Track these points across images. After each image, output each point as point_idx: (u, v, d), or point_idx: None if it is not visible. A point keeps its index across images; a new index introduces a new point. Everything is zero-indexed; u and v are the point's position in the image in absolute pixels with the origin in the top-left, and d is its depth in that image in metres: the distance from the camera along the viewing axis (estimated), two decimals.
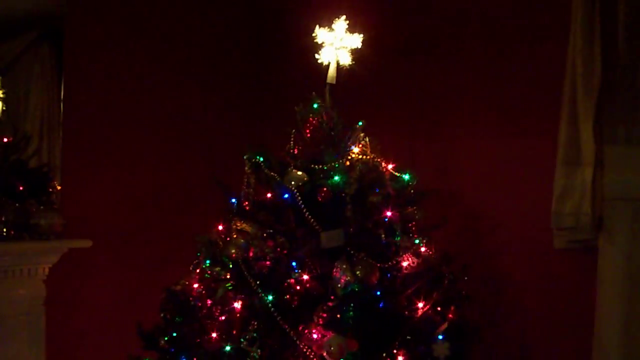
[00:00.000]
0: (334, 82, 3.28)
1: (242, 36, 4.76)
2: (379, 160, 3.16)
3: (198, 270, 3.21)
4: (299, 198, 2.96)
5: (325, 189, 2.97)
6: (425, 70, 4.03)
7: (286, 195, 3.01)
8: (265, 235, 2.97)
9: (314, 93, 3.21)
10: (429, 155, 4.01)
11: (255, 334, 2.80)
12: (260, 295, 2.83)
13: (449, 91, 3.96)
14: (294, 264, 2.89)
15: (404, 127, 4.05)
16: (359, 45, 3.29)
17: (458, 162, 3.95)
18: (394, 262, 2.97)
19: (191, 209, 4.24)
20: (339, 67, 3.27)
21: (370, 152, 3.17)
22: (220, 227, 3.22)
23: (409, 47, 4.06)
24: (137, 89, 4.19)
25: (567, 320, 3.53)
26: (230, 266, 2.99)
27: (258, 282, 2.86)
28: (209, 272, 3.10)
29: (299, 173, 3.04)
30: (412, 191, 3.22)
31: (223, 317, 2.99)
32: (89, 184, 3.92)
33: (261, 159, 3.18)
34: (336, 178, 3.02)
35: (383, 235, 3.00)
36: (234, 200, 3.22)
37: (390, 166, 3.21)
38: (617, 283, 3.26)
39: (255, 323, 2.80)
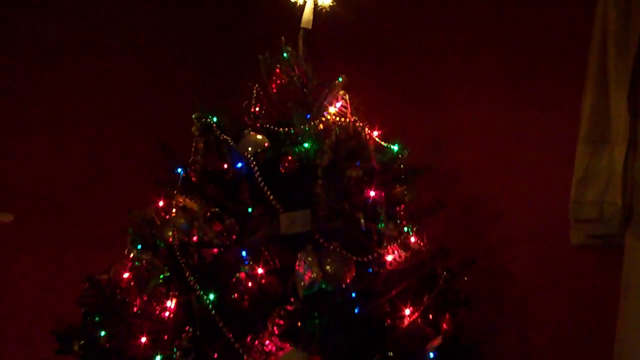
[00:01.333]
0: (310, 26, 2.68)
1: None
2: (361, 125, 2.50)
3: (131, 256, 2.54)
4: (256, 168, 2.30)
5: (290, 157, 2.32)
6: (423, 18, 3.44)
7: (240, 164, 2.35)
8: (209, 214, 2.30)
9: (283, 39, 2.65)
10: (424, 123, 3.39)
11: (190, 343, 2.14)
12: (198, 292, 2.17)
13: (450, 46, 3.37)
14: (244, 253, 2.23)
15: (395, 88, 3.41)
16: None
17: (458, 134, 3.36)
18: (376, 255, 2.32)
19: (135, 182, 3.54)
20: (316, 8, 2.69)
21: (351, 114, 2.49)
22: (161, 203, 2.66)
23: None
24: (70, 40, 3.51)
25: (584, 330, 2.97)
26: (165, 253, 2.32)
27: (197, 276, 2.19)
28: (139, 259, 2.43)
29: (259, 137, 2.45)
30: (401, 166, 2.58)
31: (155, 318, 2.32)
32: (11, 151, 3.34)
33: (214, 119, 2.50)
34: (306, 145, 2.44)
35: (362, 221, 2.35)
36: (180, 169, 2.61)
37: (375, 133, 2.56)
38: None
39: (191, 329, 2.14)
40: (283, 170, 2.34)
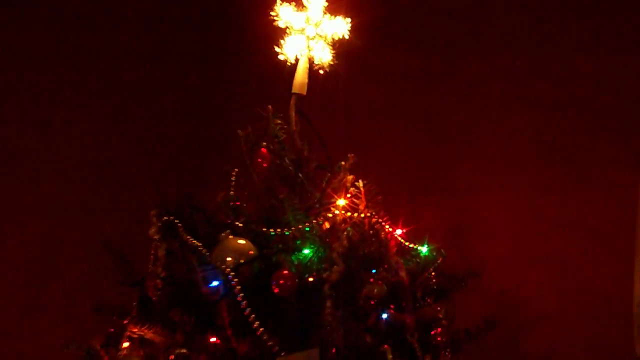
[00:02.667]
0: (304, 92, 2.07)
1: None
2: (380, 221, 1.84)
3: None
4: (238, 287, 1.63)
5: (286, 271, 1.65)
6: (442, 83, 2.83)
7: (215, 283, 1.67)
8: (174, 356, 1.61)
9: (270, 108, 2.01)
10: (441, 210, 2.75)
11: None
12: None
13: (470, 114, 2.75)
14: None
15: (407, 164, 2.75)
16: (346, 34, 2.06)
17: (479, 221, 2.74)
18: None
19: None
20: (312, 68, 2.07)
21: (366, 207, 1.84)
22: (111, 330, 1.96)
23: (421, 41, 2.81)
24: None
25: None
26: None
27: None
28: None
29: (241, 242, 1.78)
30: (433, 274, 1.90)
31: None
32: None
33: (180, 217, 1.85)
34: (306, 252, 1.78)
35: (390, 357, 1.65)
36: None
37: (398, 232, 1.89)
38: None
39: None
40: (277, 290, 1.67)
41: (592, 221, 2.56)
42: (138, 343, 1.86)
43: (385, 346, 1.69)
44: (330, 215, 1.81)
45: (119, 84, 3.00)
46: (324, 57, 2.06)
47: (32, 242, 2.80)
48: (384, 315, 1.79)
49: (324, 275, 1.69)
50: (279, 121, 1.99)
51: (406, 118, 2.79)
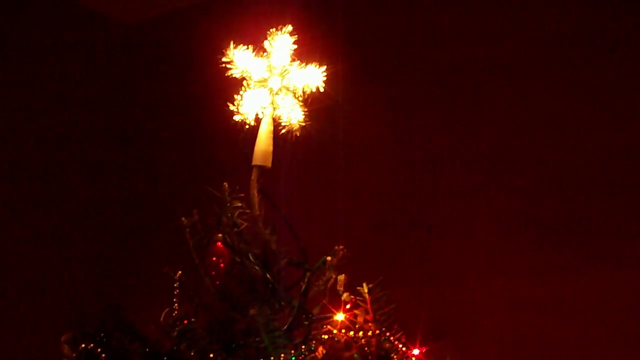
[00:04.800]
0: (269, 163, 1.55)
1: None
2: (393, 339, 1.33)
3: None
4: None
5: None
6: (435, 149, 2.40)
7: None
8: None
9: (226, 186, 1.49)
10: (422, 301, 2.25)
11: None
12: None
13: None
14: None
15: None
16: (321, 85, 1.57)
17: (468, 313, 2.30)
18: None
19: None
20: (277, 131, 1.56)
21: (373, 319, 1.32)
22: None
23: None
24: None
25: None
26: None
27: None
28: None
29: None
30: None
31: None
32: None
33: (100, 343, 1.28)
34: None
35: None
36: None
37: (415, 352, 1.38)
38: None
39: None
40: None
41: (601, 306, 2.14)
42: None
43: None
44: (325, 337, 1.27)
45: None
46: (293, 116, 1.56)
47: None
48: None
49: None
50: (239, 204, 1.46)
51: (391, 194, 2.31)
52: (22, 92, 2.60)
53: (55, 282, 2.23)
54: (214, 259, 1.43)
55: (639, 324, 2.08)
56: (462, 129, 2.38)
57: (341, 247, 1.45)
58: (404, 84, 2.43)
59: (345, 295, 1.38)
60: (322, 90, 1.57)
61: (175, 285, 1.44)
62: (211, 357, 1.28)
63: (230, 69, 1.54)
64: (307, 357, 1.22)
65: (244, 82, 1.56)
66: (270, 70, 1.57)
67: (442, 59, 2.40)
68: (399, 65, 2.42)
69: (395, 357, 1.32)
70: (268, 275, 1.44)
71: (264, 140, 1.55)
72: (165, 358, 1.29)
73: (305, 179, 1.90)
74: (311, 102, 1.57)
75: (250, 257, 1.44)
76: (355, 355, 1.24)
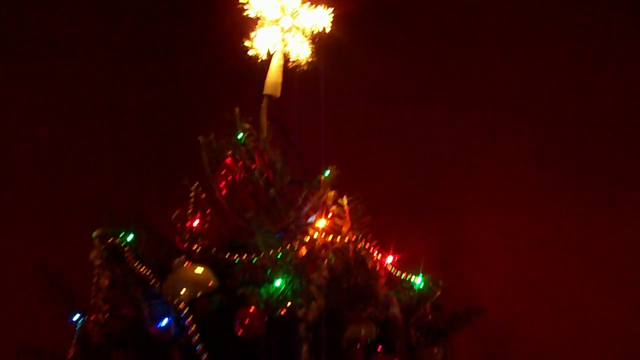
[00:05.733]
0: (278, 93, 1.78)
1: None
2: (368, 246, 1.53)
3: None
4: (193, 327, 1.31)
5: (253, 308, 1.34)
6: (434, 88, 2.53)
7: (165, 321, 1.36)
8: None
9: (237, 111, 1.70)
10: (429, 234, 2.41)
11: None
12: None
13: (470, 129, 2.47)
14: None
15: (397, 185, 2.43)
16: (327, 27, 1.79)
17: (473, 248, 2.42)
18: None
19: None
20: (287, 65, 1.80)
21: (351, 229, 1.53)
22: None
23: (413, 39, 2.52)
24: None
25: None
26: None
27: None
28: None
29: (198, 270, 1.46)
30: (428, 310, 1.60)
31: None
32: None
33: (126, 239, 1.53)
34: (278, 284, 1.45)
35: None
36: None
37: (388, 259, 1.59)
38: None
39: None
40: (241, 332, 1.35)
41: (602, 246, 2.26)
42: None
43: None
44: (307, 239, 1.50)
45: (64, 84, 2.67)
46: (302, 52, 1.78)
47: None
48: None
49: (300, 313, 1.38)
50: (248, 127, 1.69)
51: (394, 127, 2.49)
52: None
53: (89, 189, 2.52)
54: (224, 173, 1.67)
55: (636, 262, 2.23)
56: (469, 71, 2.52)
57: (334, 167, 1.66)
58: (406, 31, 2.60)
59: (333, 207, 1.60)
60: (328, 30, 1.78)
61: (191, 194, 1.69)
62: (213, 252, 1.53)
63: (246, 9, 1.77)
64: (290, 253, 1.44)
65: (258, 22, 1.78)
66: (282, 11, 1.79)
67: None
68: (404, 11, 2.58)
69: (370, 262, 1.54)
70: (271, 190, 1.67)
71: (274, 73, 1.78)
72: (174, 251, 1.54)
73: (309, 107, 2.09)
74: (318, 40, 1.79)
75: (256, 173, 1.67)
76: (330, 255, 1.46)
